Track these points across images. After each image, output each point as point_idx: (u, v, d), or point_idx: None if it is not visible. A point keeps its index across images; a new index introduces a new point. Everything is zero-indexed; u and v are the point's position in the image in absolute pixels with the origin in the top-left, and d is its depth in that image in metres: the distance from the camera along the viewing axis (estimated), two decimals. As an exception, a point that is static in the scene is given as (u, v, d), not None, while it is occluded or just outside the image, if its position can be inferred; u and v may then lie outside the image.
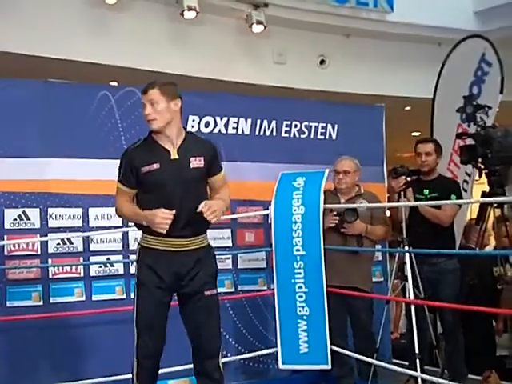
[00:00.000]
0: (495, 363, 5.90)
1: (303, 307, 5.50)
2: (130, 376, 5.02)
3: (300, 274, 5.49)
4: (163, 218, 3.87)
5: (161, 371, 5.02)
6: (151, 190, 4.04)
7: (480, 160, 5.45)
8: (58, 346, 5.36)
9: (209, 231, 4.22)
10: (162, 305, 4.07)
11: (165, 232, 3.90)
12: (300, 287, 5.49)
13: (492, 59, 7.14)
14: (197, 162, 4.06)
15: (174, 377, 5.33)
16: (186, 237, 4.05)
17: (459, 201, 5.72)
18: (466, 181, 7.17)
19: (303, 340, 5.48)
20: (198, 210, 3.92)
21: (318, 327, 5.45)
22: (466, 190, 6.90)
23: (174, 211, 3.90)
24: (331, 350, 5.44)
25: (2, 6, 7.40)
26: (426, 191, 5.73)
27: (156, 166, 4.00)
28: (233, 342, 6.03)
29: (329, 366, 5.46)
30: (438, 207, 5.63)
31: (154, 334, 4.07)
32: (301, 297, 5.50)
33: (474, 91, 7.29)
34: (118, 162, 4.16)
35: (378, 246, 6.30)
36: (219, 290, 4.17)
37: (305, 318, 5.49)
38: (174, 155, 4.05)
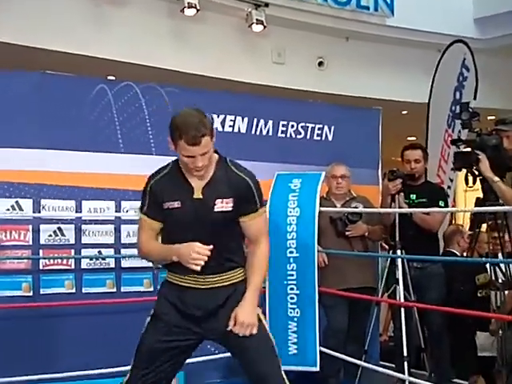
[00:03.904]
0: (479, 367, 5.94)
1: (294, 309, 5.50)
2: (118, 369, 5.06)
3: (292, 275, 5.50)
4: (199, 252, 3.36)
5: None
6: (173, 229, 3.57)
7: (474, 167, 5.45)
8: (46, 337, 5.34)
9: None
10: (168, 343, 3.56)
11: (199, 269, 3.39)
12: (292, 289, 5.50)
13: (470, 65, 7.17)
14: (223, 205, 3.52)
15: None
16: (211, 274, 3.55)
17: (453, 209, 5.75)
18: (449, 186, 7.22)
19: (292, 341, 5.48)
20: (228, 329, 3.49)
21: (308, 329, 5.46)
22: (448, 196, 6.94)
23: (211, 246, 3.38)
24: (320, 351, 5.45)
25: (0, -4, 7.41)
26: (413, 196, 5.77)
27: (177, 204, 3.51)
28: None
29: (317, 369, 5.48)
30: (427, 212, 5.67)
31: (148, 372, 3.57)
32: (292, 298, 5.51)
33: (457, 96, 7.35)
34: (141, 191, 3.68)
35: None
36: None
37: (295, 319, 5.49)
38: (198, 194, 3.52)
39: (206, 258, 3.38)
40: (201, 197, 3.52)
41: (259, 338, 3.57)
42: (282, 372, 3.57)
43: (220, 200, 3.52)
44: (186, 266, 3.42)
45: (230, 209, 3.53)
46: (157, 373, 3.59)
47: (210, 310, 3.57)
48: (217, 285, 3.59)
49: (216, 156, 3.61)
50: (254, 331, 3.52)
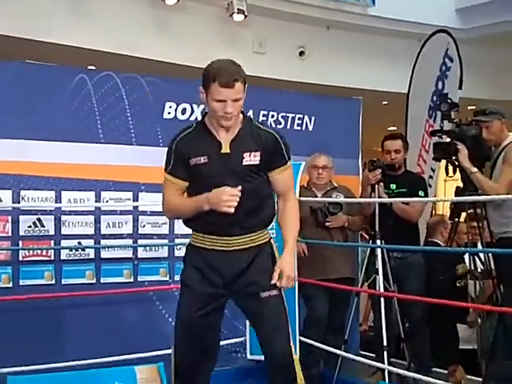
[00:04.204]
0: (460, 357, 5.98)
1: (274, 298, 5.49)
2: (98, 360, 5.06)
3: (273, 265, 5.49)
4: (231, 194, 3.42)
5: (128, 357, 5.07)
6: (200, 185, 3.58)
7: (454, 157, 5.47)
8: (25, 329, 5.31)
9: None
10: (205, 310, 3.64)
11: (232, 211, 3.44)
12: (272, 278, 5.48)
13: (453, 54, 7.18)
14: (250, 159, 3.56)
15: (141, 363, 5.30)
16: (238, 235, 3.63)
17: (432, 199, 5.77)
18: (431, 176, 7.24)
19: (272, 331, 5.48)
20: (272, 283, 3.59)
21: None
22: (430, 186, 6.97)
23: (239, 187, 3.46)
24: (300, 340, 5.47)
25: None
26: (393, 186, 5.79)
27: (203, 159, 3.55)
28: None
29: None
30: (407, 202, 5.69)
31: (193, 342, 3.67)
32: (272, 287, 5.49)
33: (439, 86, 7.35)
34: (166, 151, 3.70)
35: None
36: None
37: (275, 309, 5.48)
38: (226, 149, 3.56)
39: (238, 199, 3.44)
40: (228, 151, 3.57)
41: (279, 304, 3.70)
42: (291, 344, 3.69)
43: (248, 153, 3.57)
44: (213, 221, 3.53)
45: (258, 162, 3.59)
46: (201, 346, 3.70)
47: (235, 273, 3.64)
48: (242, 246, 3.65)
49: (241, 115, 3.64)
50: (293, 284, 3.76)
